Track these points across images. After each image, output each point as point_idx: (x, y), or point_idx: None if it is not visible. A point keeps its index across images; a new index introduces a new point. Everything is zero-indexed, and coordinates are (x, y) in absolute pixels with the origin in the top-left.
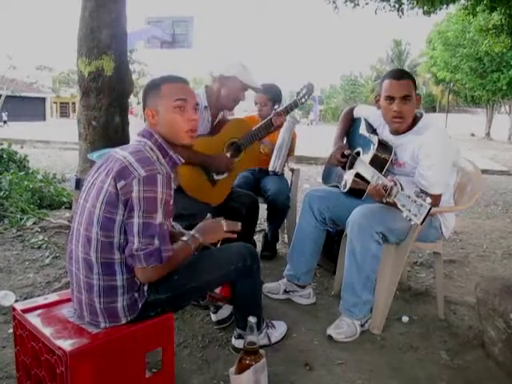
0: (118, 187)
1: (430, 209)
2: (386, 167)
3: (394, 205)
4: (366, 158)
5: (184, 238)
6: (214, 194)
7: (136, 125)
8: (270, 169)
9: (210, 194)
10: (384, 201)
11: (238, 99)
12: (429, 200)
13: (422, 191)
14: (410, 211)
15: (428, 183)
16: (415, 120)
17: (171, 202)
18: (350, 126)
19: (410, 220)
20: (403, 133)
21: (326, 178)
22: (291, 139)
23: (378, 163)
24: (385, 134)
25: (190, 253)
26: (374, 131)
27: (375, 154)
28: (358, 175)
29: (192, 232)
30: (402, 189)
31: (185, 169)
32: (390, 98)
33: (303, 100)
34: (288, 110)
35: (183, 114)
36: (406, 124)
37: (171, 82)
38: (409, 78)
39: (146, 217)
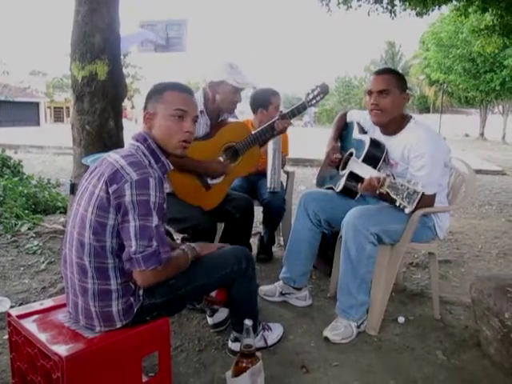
0: (110, 191)
1: (423, 194)
2: (379, 165)
3: (387, 196)
4: (359, 157)
5: (182, 247)
6: (208, 198)
7: (133, 128)
8: (268, 189)
9: (202, 198)
10: (377, 192)
11: (233, 101)
12: (420, 186)
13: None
14: (402, 199)
15: (421, 184)
16: (405, 121)
17: (164, 206)
18: (343, 129)
19: (404, 208)
20: (393, 134)
21: (320, 182)
22: (281, 152)
23: (371, 161)
24: (376, 135)
25: (188, 261)
26: (365, 133)
27: (368, 152)
28: (351, 174)
29: (188, 243)
30: (394, 179)
31: (176, 173)
32: (370, 93)
33: (314, 102)
34: (295, 112)
35: (180, 123)
36: (385, 117)
37: (176, 89)
38: (389, 74)
39: (142, 219)
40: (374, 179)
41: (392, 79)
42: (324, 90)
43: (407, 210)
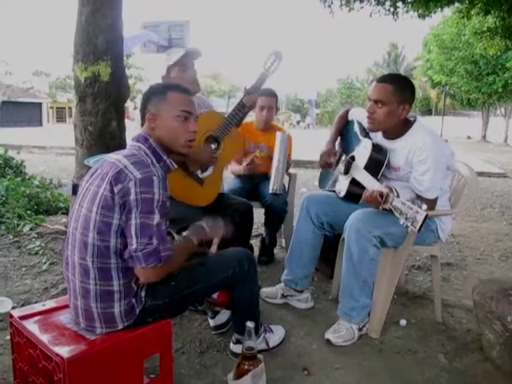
0: (115, 191)
1: (427, 216)
2: (381, 171)
3: (390, 211)
4: (361, 162)
5: (184, 234)
6: (204, 193)
7: (135, 129)
8: (271, 191)
9: (199, 194)
10: (380, 208)
11: (192, 79)
12: (424, 207)
13: (418, 196)
14: (406, 218)
15: (424, 188)
16: (408, 125)
17: (167, 204)
18: (344, 128)
19: (407, 227)
20: (395, 138)
21: (323, 182)
22: (287, 155)
23: (373, 167)
24: (378, 138)
25: (194, 245)
26: (367, 134)
27: (370, 157)
28: (353, 181)
29: (194, 223)
30: (397, 195)
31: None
32: (368, 99)
33: (272, 69)
34: (259, 85)
35: (186, 124)
36: (377, 127)
37: (178, 91)
38: (389, 83)
39: (144, 217)
40: (377, 194)
41: (390, 90)
42: (279, 56)
43: (409, 230)
